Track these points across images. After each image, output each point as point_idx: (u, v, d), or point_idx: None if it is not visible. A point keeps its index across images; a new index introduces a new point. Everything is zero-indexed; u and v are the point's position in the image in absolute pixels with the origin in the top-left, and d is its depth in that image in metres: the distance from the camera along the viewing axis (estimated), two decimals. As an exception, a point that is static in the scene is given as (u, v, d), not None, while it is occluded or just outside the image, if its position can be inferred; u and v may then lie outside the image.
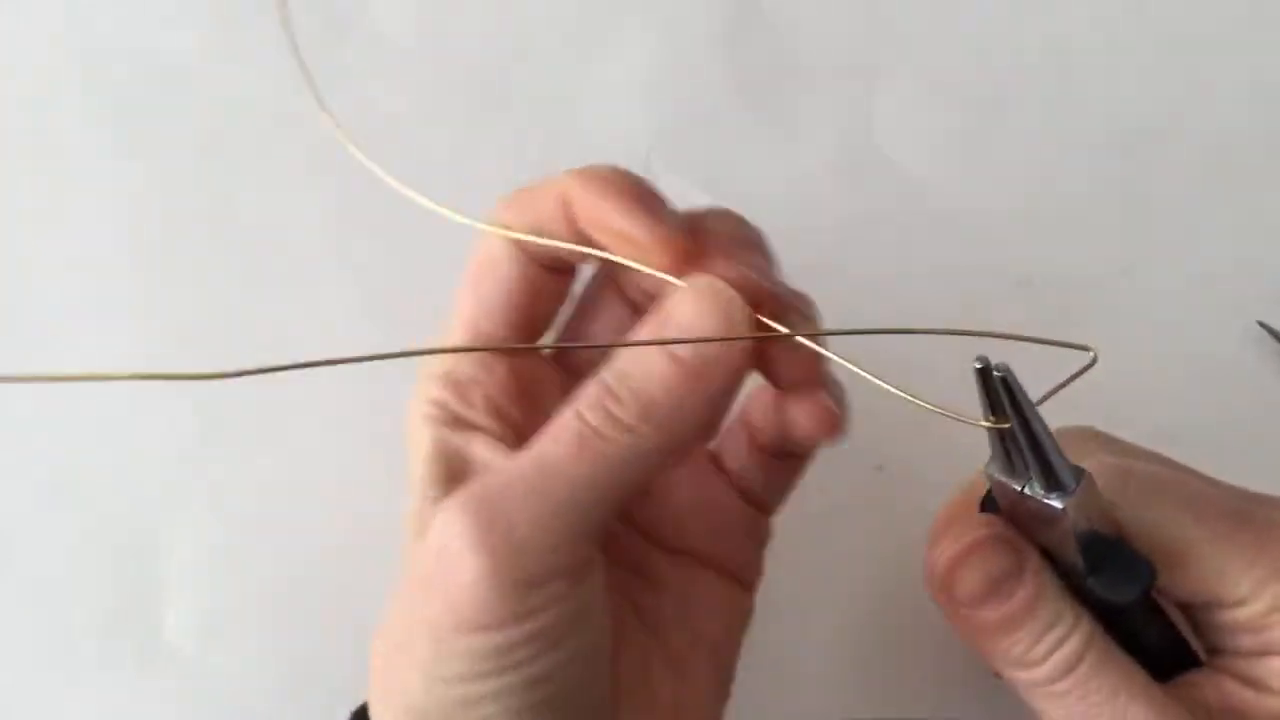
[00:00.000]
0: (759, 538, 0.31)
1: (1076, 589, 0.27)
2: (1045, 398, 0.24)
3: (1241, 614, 0.27)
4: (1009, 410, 0.23)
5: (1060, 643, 0.26)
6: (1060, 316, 0.39)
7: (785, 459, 0.31)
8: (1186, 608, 0.28)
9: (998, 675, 0.29)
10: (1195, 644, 0.29)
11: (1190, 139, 0.41)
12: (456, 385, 0.28)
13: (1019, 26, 0.42)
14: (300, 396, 0.39)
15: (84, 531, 0.38)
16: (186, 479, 0.38)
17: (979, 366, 0.23)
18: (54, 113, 0.41)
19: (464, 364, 0.29)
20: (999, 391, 0.23)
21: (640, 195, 0.27)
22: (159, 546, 0.37)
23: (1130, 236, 0.41)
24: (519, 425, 0.28)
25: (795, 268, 0.40)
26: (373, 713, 0.28)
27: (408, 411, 0.29)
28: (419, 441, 0.28)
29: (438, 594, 0.25)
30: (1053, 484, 0.24)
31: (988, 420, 0.24)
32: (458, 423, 0.28)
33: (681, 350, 0.25)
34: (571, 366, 0.31)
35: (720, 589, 0.30)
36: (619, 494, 0.25)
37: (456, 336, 0.29)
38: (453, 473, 0.27)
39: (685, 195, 0.41)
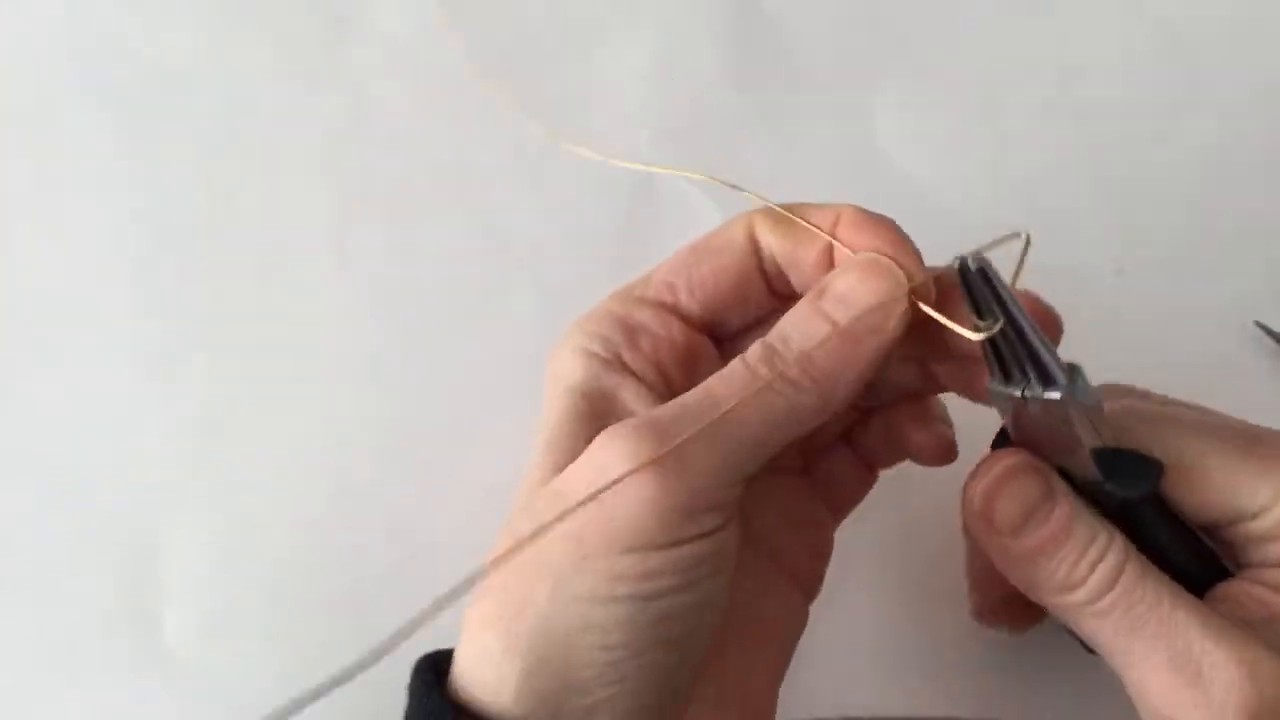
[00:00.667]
0: (827, 550, 0.32)
1: (1099, 507, 0.28)
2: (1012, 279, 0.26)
3: (1265, 523, 0.27)
4: (993, 304, 0.25)
5: (1100, 557, 0.27)
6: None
7: (869, 471, 0.32)
8: (1210, 530, 0.29)
9: (1023, 626, 0.31)
10: (1222, 558, 0.29)
11: (1188, 139, 0.41)
12: (628, 329, 0.29)
13: (1019, 27, 0.42)
14: (301, 396, 0.39)
15: (84, 531, 0.38)
16: (186, 479, 0.38)
17: (958, 265, 0.25)
18: (54, 113, 0.41)
19: (642, 312, 0.30)
20: (980, 287, 0.25)
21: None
22: (159, 546, 0.37)
23: (1126, 236, 0.41)
24: (673, 387, 0.29)
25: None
26: (475, 633, 0.27)
27: (560, 343, 0.30)
28: (569, 372, 0.29)
29: (590, 510, 0.25)
30: (1048, 379, 0.26)
31: (982, 323, 0.25)
32: (618, 364, 0.29)
33: (839, 316, 0.27)
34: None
35: (788, 592, 0.31)
36: (773, 444, 0.27)
37: (649, 288, 0.30)
38: (597, 411, 0.28)
39: (685, 195, 0.41)
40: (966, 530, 0.29)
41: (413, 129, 0.41)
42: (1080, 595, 0.27)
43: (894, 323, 0.27)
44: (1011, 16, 0.43)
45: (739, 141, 0.41)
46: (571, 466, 0.27)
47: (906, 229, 0.42)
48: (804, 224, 0.29)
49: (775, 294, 0.30)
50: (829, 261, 0.29)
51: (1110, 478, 0.27)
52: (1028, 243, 0.26)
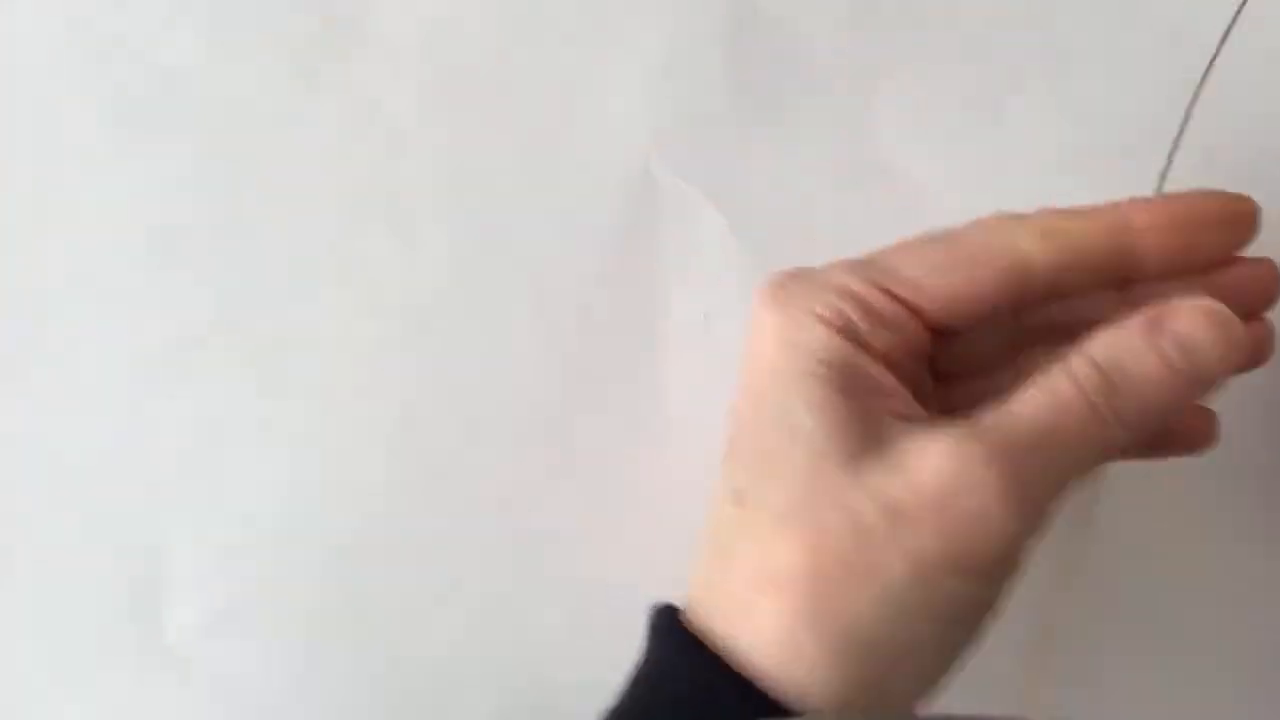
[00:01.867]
0: None
1: None
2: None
3: None
4: None
5: None
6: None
7: None
8: None
9: None
10: None
11: (1189, 140, 0.41)
12: (871, 313, 0.28)
13: (1020, 26, 0.42)
14: (302, 396, 0.39)
15: (85, 531, 0.38)
16: (188, 478, 0.38)
17: None
18: (54, 113, 0.41)
19: (885, 303, 0.29)
20: None
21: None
22: (160, 546, 0.38)
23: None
24: (902, 380, 0.29)
25: (795, 268, 0.40)
26: (779, 623, 0.27)
27: (781, 300, 0.29)
28: (817, 340, 0.28)
29: (934, 532, 0.26)
30: None
31: None
32: (860, 344, 0.28)
33: (1180, 363, 0.27)
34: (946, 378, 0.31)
35: None
36: (1086, 471, 0.27)
37: (891, 278, 0.29)
38: (855, 390, 0.27)
39: (685, 196, 0.41)
40: None
41: (412, 129, 0.41)
42: None
43: (1225, 376, 0.27)
44: (1012, 16, 0.42)
45: (739, 142, 0.41)
46: (904, 470, 0.26)
47: (907, 230, 0.42)
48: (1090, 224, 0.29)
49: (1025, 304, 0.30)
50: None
51: None
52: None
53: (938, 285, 0.29)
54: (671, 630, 0.28)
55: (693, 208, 0.40)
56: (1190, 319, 0.27)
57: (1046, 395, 0.27)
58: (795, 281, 0.29)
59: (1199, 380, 0.27)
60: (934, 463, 0.26)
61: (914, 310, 0.29)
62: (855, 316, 0.28)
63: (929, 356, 0.30)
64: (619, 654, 0.37)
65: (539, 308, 0.39)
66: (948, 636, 0.27)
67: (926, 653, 0.27)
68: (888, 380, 0.28)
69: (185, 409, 0.39)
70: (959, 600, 0.26)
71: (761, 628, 0.27)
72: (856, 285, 0.29)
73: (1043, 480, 0.26)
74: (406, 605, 0.37)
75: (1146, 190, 0.42)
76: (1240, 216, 0.29)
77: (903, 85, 0.42)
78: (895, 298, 0.29)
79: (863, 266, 0.29)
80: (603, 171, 0.41)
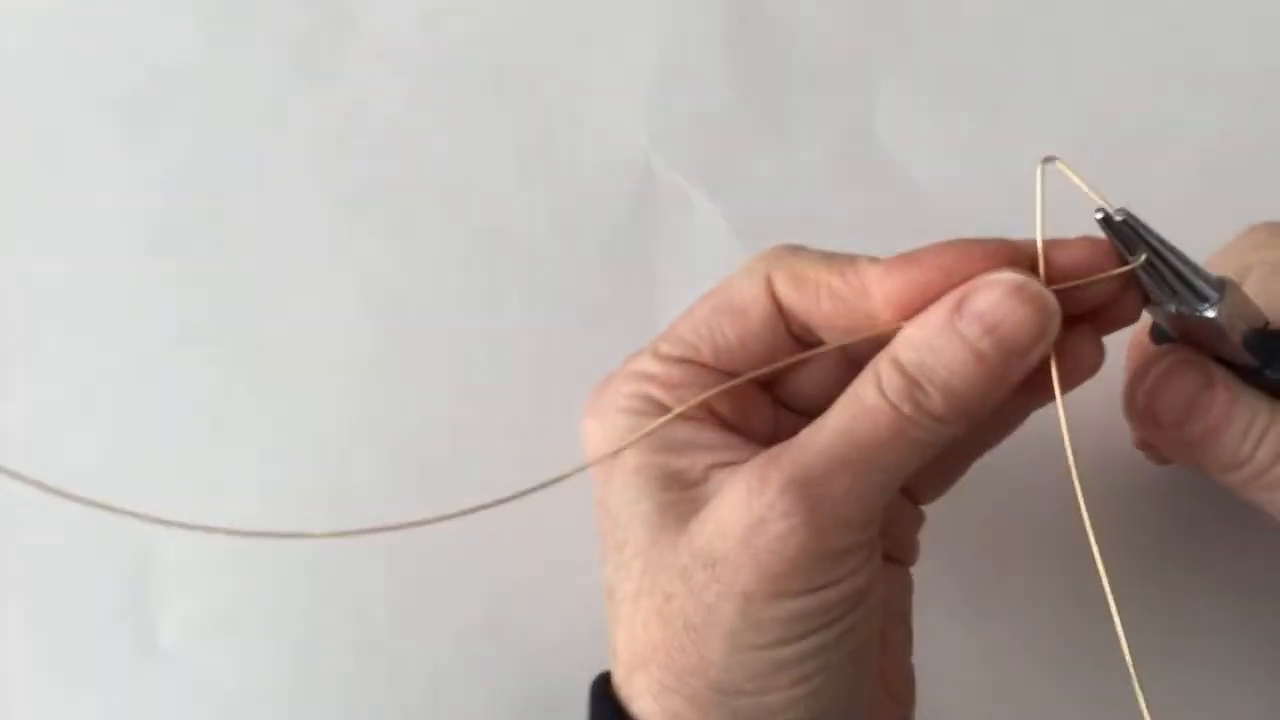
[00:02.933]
0: (918, 523, 0.33)
1: (1258, 386, 0.29)
2: None
3: None
4: (1143, 245, 0.26)
5: (1264, 434, 0.28)
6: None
7: (963, 460, 0.32)
8: None
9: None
10: None
11: (1189, 139, 0.41)
12: (670, 387, 0.29)
13: (1020, 26, 0.42)
14: (299, 396, 0.39)
15: (81, 532, 0.38)
16: (184, 480, 0.38)
17: (1100, 218, 0.26)
18: (54, 113, 0.41)
19: (675, 370, 0.29)
20: (1127, 233, 0.26)
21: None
22: (156, 547, 0.37)
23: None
24: (729, 423, 0.29)
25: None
26: (654, 699, 0.28)
27: (597, 422, 0.30)
28: (622, 433, 0.29)
29: (751, 566, 0.26)
30: (1201, 297, 0.27)
31: (1128, 261, 0.26)
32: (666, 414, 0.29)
33: (984, 347, 0.26)
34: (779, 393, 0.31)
35: (890, 569, 0.32)
36: (909, 472, 0.27)
37: (674, 346, 0.30)
38: (679, 455, 0.28)
39: (686, 195, 0.41)
40: (1128, 405, 0.30)
41: (412, 128, 0.41)
42: (1248, 471, 0.28)
43: (1043, 348, 0.26)
44: (1013, 16, 0.43)
45: (739, 141, 0.41)
46: (712, 518, 0.27)
47: (907, 229, 0.42)
48: (823, 269, 0.28)
49: (800, 340, 0.30)
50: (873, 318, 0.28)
51: (1267, 364, 0.28)
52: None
53: (714, 342, 0.29)
54: (603, 699, 0.29)
55: (692, 207, 0.40)
56: (990, 296, 0.26)
57: (851, 406, 0.27)
58: (603, 384, 0.30)
59: (1011, 361, 0.26)
60: (732, 500, 0.26)
61: (700, 365, 0.29)
62: (657, 394, 0.29)
63: (765, 392, 0.30)
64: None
65: (539, 306, 0.39)
66: (810, 656, 0.27)
67: (798, 682, 0.27)
68: (705, 437, 0.29)
69: (180, 410, 0.39)
70: (801, 621, 0.26)
71: (645, 704, 0.28)
72: (649, 366, 0.29)
73: (853, 490, 0.26)
74: (406, 605, 0.37)
75: (1147, 189, 0.42)
76: (974, 252, 0.28)
77: (903, 85, 0.42)
78: (687, 362, 0.29)
79: (652, 344, 0.30)
80: (603, 169, 0.41)
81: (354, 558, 0.37)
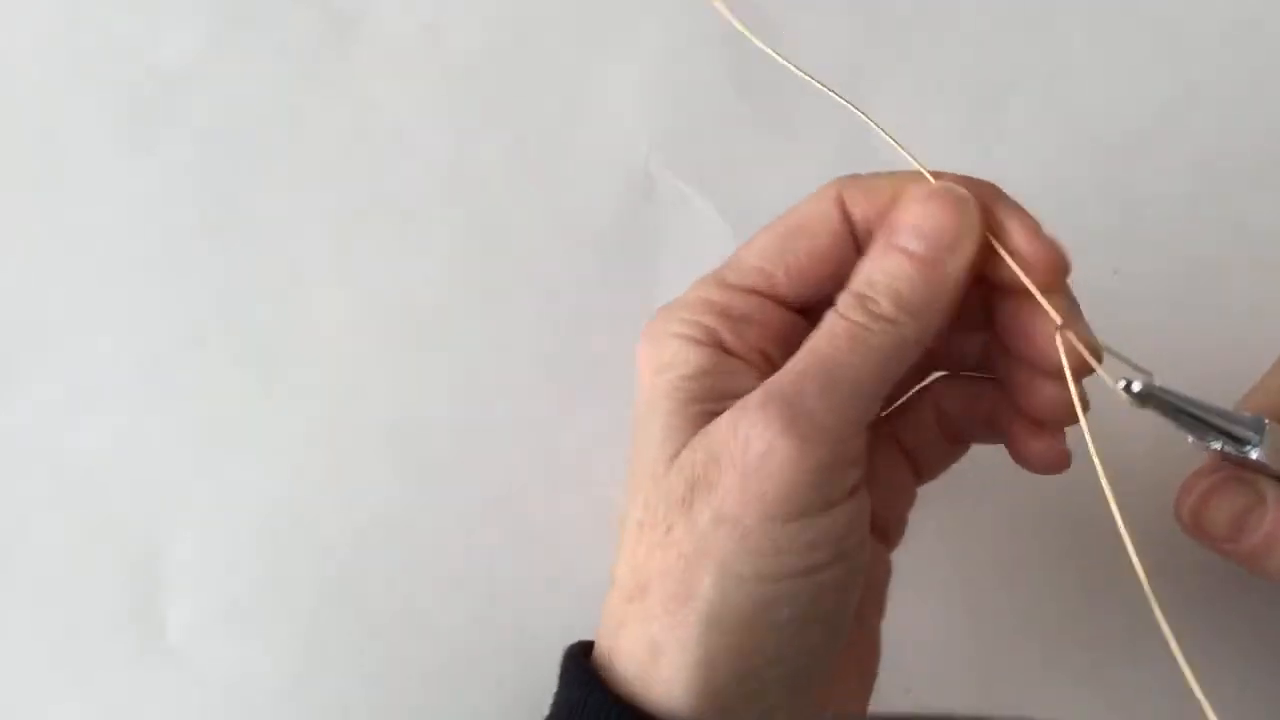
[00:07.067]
0: (910, 501, 0.33)
1: None
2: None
3: None
4: (1168, 414, 0.27)
5: None
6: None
7: (960, 443, 0.33)
8: None
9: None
10: None
11: (1184, 139, 0.41)
12: (730, 317, 0.29)
13: (1018, 29, 0.42)
14: (302, 396, 0.39)
15: (87, 530, 0.38)
16: (190, 478, 0.38)
17: (1124, 392, 0.26)
18: (54, 113, 0.41)
19: (741, 300, 0.29)
20: (1154, 403, 0.27)
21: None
22: (162, 545, 0.38)
23: (1125, 236, 0.41)
24: (778, 368, 0.29)
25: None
26: (635, 628, 0.28)
27: (655, 333, 0.29)
28: (678, 360, 0.29)
29: (740, 488, 0.26)
30: (1241, 441, 0.28)
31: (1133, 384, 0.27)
32: (724, 351, 0.29)
33: (915, 247, 0.28)
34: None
35: (875, 546, 0.32)
36: (885, 385, 0.28)
37: (743, 275, 0.30)
38: (710, 396, 0.28)
39: (685, 196, 0.41)
40: (1178, 519, 0.31)
41: (415, 130, 0.41)
42: None
43: (970, 240, 0.28)
44: (1010, 18, 0.43)
45: (739, 143, 0.41)
46: (703, 444, 0.27)
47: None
48: (893, 181, 0.29)
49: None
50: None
51: None
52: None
53: (786, 265, 0.29)
54: (581, 665, 0.29)
55: (692, 208, 0.40)
56: (908, 207, 0.28)
57: (816, 332, 0.28)
58: (662, 310, 0.30)
59: (941, 253, 0.28)
60: (721, 424, 0.27)
61: (771, 297, 0.30)
62: (714, 324, 0.29)
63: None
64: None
65: (539, 307, 0.40)
66: (803, 597, 0.27)
67: (791, 623, 0.27)
68: (748, 379, 0.28)
69: (186, 409, 0.39)
70: (790, 555, 0.26)
71: (633, 630, 0.28)
72: (712, 293, 0.30)
73: (830, 403, 0.26)
74: (406, 605, 0.37)
75: (1141, 194, 0.42)
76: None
77: (903, 85, 0.42)
78: (751, 291, 0.30)
79: (717, 273, 0.30)
80: (603, 171, 0.41)
81: (358, 555, 0.38)
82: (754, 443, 0.26)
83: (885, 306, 0.27)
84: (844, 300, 0.28)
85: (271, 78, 0.41)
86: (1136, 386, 0.26)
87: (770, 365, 0.29)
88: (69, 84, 0.41)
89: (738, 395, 0.28)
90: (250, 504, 0.38)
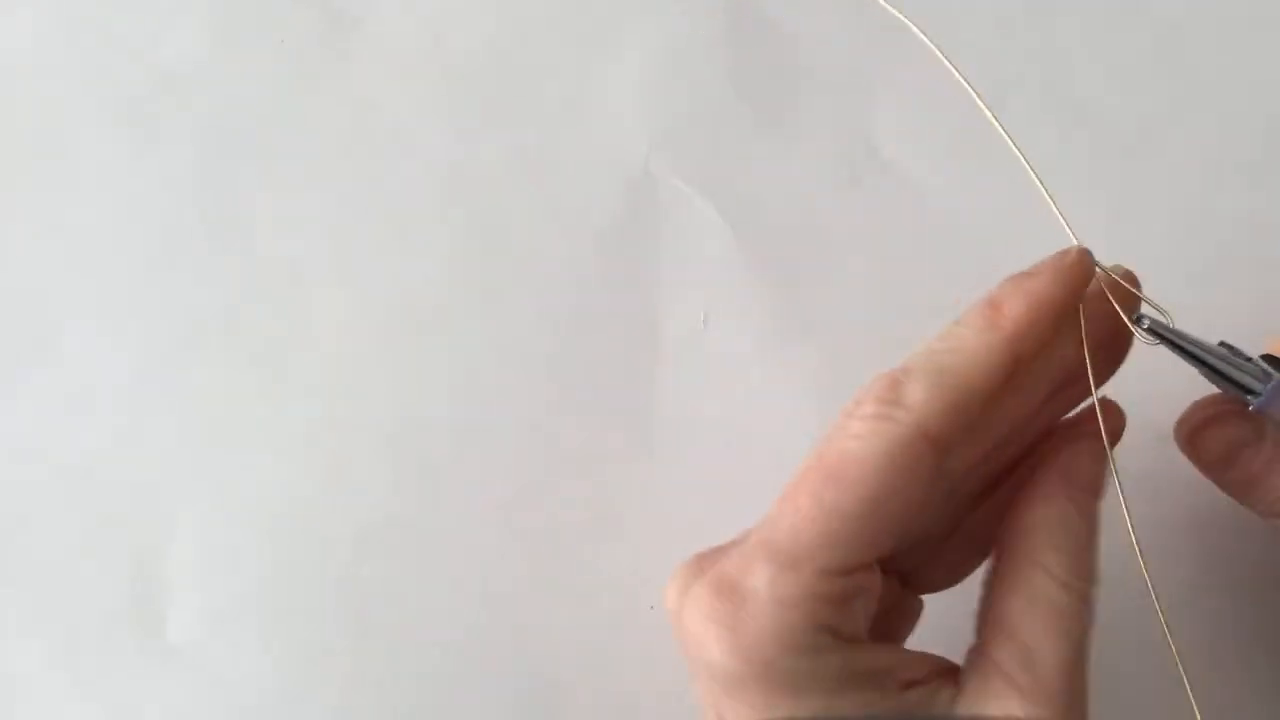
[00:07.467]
0: (915, 616, 0.33)
1: None
2: None
3: None
4: (1177, 351, 0.29)
5: None
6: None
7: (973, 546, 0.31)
8: None
9: None
10: None
11: (1185, 138, 0.41)
12: (842, 603, 0.26)
13: (1018, 28, 0.42)
14: (302, 395, 0.39)
15: (87, 530, 0.38)
16: (190, 477, 0.38)
17: (1136, 326, 0.28)
18: (54, 113, 0.41)
19: (849, 583, 0.26)
20: (1163, 337, 0.29)
21: None
22: (162, 544, 0.38)
23: (1125, 236, 0.41)
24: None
25: (794, 269, 0.40)
26: None
27: (741, 642, 0.25)
28: (804, 670, 0.25)
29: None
30: (1247, 390, 0.29)
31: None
32: (844, 643, 0.26)
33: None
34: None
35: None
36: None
37: (856, 552, 0.26)
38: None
39: (685, 196, 0.41)
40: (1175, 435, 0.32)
41: (414, 130, 0.41)
42: None
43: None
44: (1010, 17, 0.43)
45: (738, 143, 0.41)
46: None
47: (907, 231, 0.42)
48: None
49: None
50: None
51: None
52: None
53: (882, 534, 0.26)
54: None
55: (692, 208, 0.40)
56: (1084, 463, 0.29)
57: (1042, 606, 0.26)
58: (745, 606, 0.25)
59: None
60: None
61: (870, 569, 0.26)
62: (829, 618, 0.26)
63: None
64: (618, 652, 0.37)
65: (538, 308, 0.40)
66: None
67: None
68: (884, 658, 0.27)
69: (186, 409, 0.39)
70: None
71: None
72: (817, 587, 0.25)
73: (1084, 687, 0.26)
74: (406, 605, 0.37)
75: (1143, 191, 0.42)
76: (1074, 268, 0.28)
77: (902, 85, 0.42)
78: (852, 572, 0.26)
79: (799, 561, 0.25)
80: (603, 172, 0.41)
81: (358, 555, 0.38)
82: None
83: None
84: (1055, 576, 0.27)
85: (271, 78, 0.41)
86: (1146, 323, 0.28)
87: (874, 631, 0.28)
88: (69, 84, 0.42)
89: (893, 668, 0.27)
90: (250, 504, 0.38)
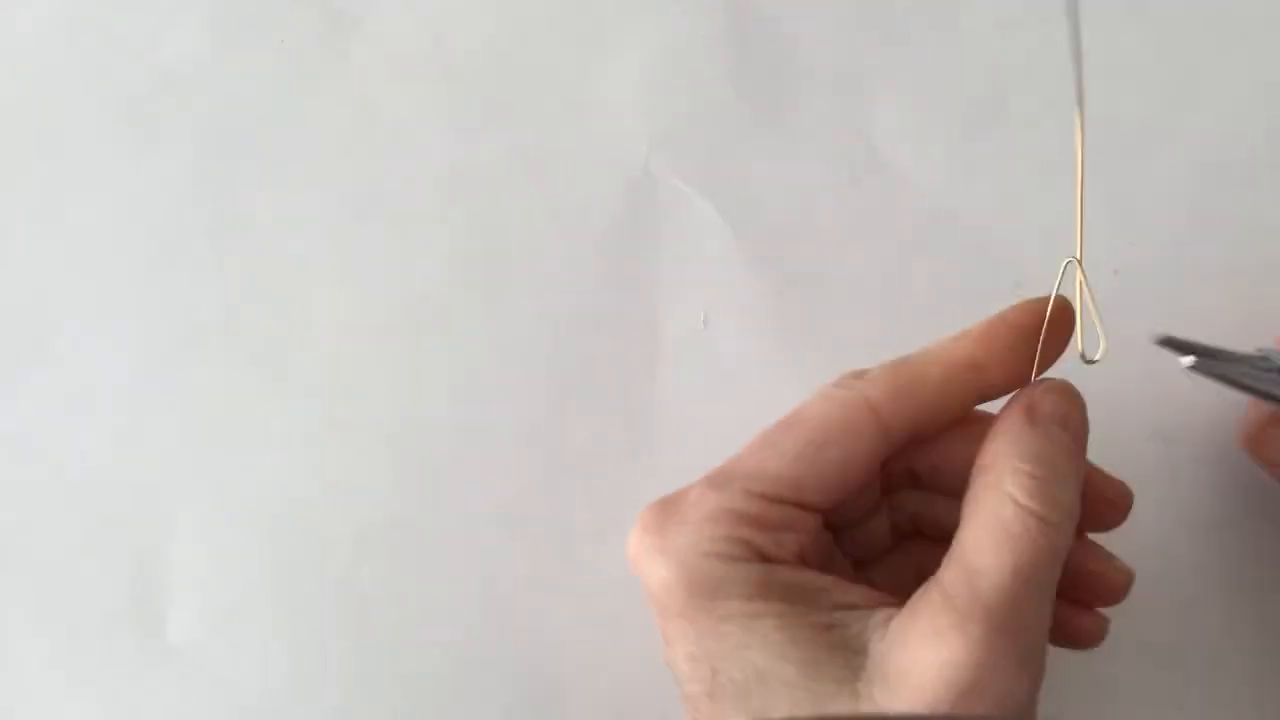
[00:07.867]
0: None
1: None
2: None
3: None
4: (1201, 370, 0.29)
5: None
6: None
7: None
8: None
9: None
10: None
11: (1184, 139, 0.41)
12: (766, 529, 0.28)
13: (1017, 29, 0.42)
14: (302, 395, 0.39)
15: (87, 530, 0.38)
16: (190, 477, 0.38)
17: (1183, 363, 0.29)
18: (54, 113, 0.41)
19: (775, 512, 0.28)
20: (1169, 343, 0.29)
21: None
22: (162, 545, 0.38)
23: (1125, 236, 0.41)
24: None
25: (794, 269, 0.40)
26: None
27: (667, 548, 0.28)
28: (719, 582, 0.27)
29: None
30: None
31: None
32: (767, 558, 0.28)
33: (1062, 436, 0.28)
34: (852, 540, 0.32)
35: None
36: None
37: (771, 484, 0.28)
38: (792, 604, 0.27)
39: (685, 196, 0.41)
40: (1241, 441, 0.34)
41: (414, 130, 0.41)
42: None
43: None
44: (1010, 18, 0.43)
45: (738, 143, 0.41)
46: (917, 690, 0.25)
47: (907, 231, 0.42)
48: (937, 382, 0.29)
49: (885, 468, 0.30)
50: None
51: None
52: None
53: (814, 475, 0.28)
54: None
55: (692, 208, 0.40)
56: (1048, 397, 0.29)
57: (986, 532, 0.26)
58: (668, 517, 0.28)
59: (1080, 442, 0.28)
60: (936, 669, 0.25)
61: (801, 506, 0.28)
62: (754, 537, 0.28)
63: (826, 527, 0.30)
64: (619, 652, 0.37)
65: (538, 308, 0.40)
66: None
67: None
68: (814, 579, 0.28)
69: (186, 409, 0.39)
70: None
71: None
72: (741, 504, 0.28)
73: (1033, 618, 0.26)
74: (406, 605, 0.37)
75: (1145, 185, 0.42)
76: (1057, 319, 0.29)
77: (902, 85, 0.42)
78: (779, 501, 0.28)
79: (732, 479, 0.28)
80: (603, 172, 0.41)
81: (358, 555, 0.38)
82: (989, 686, 0.25)
83: (1051, 494, 0.27)
84: (1019, 482, 0.27)
85: (271, 78, 0.41)
86: (1190, 360, 0.29)
87: (809, 560, 0.28)
88: (69, 84, 0.42)
89: (817, 596, 0.27)
90: (250, 504, 0.38)
